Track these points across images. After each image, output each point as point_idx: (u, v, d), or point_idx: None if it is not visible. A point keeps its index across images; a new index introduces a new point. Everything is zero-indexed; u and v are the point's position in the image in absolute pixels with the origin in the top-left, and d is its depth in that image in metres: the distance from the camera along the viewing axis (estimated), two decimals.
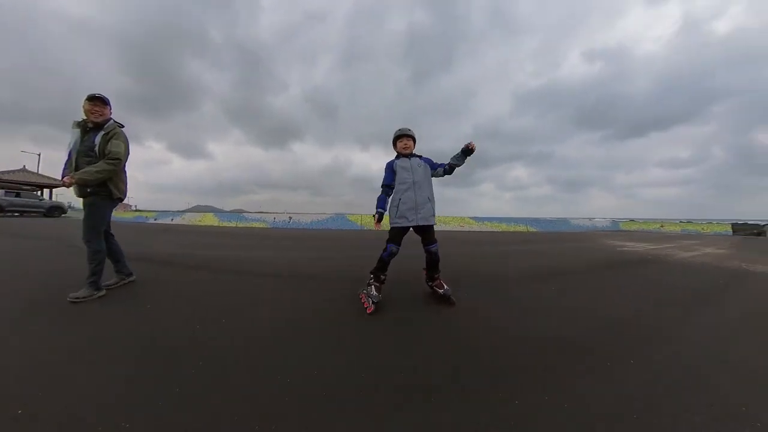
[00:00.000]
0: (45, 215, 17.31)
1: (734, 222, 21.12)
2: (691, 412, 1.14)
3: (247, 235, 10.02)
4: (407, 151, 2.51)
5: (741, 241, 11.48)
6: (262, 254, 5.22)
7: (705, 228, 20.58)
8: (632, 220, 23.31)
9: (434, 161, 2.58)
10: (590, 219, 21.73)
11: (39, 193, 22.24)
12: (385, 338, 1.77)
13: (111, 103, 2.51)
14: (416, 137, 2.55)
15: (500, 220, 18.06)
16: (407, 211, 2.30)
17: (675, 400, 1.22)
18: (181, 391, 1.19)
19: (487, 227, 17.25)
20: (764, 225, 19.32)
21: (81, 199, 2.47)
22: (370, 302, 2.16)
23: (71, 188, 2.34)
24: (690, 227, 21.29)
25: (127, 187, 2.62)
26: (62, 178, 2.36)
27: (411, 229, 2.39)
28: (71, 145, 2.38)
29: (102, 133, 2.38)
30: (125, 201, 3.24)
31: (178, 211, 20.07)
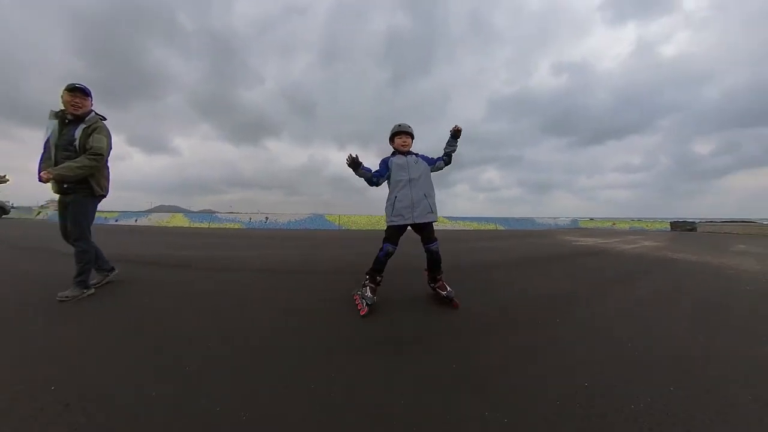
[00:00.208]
0: None
1: (672, 220, 23.96)
2: (594, 346, 1.61)
3: (230, 236, 9.87)
4: (405, 149, 2.39)
5: (675, 236, 13.19)
6: (249, 254, 5.31)
7: (649, 225, 23.13)
8: (592, 219, 25.52)
9: (430, 157, 2.49)
10: (554, 218, 23.53)
11: None
12: (374, 340, 1.65)
13: (92, 94, 2.36)
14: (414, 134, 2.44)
15: (472, 219, 19.03)
16: (403, 209, 2.20)
17: (585, 343, 1.68)
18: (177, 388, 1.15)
19: (460, 226, 18.09)
20: (696, 222, 22.11)
21: (57, 197, 2.33)
22: (364, 304, 2.06)
23: (48, 184, 2.20)
24: (637, 225, 23.80)
25: (110, 183, 2.52)
26: (39, 172, 2.18)
27: (409, 228, 2.30)
28: (48, 137, 2.23)
29: (83, 126, 2.25)
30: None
31: (144, 211, 18.95)
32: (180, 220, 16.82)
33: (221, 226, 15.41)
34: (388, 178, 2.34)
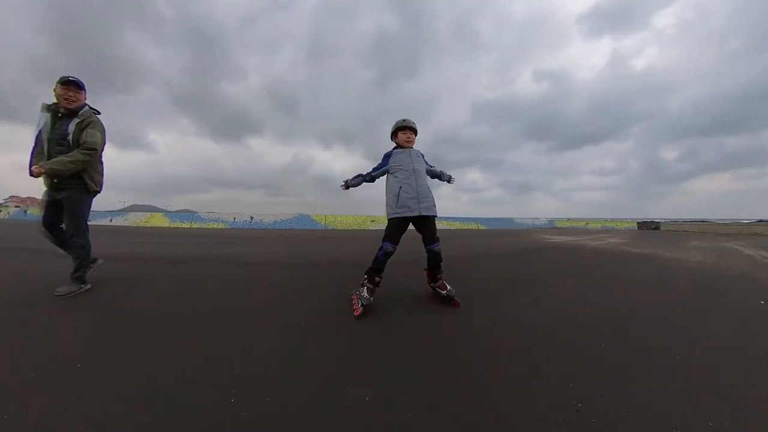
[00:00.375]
0: None
1: (640, 220, 25.74)
2: (545, 314, 1.97)
3: (211, 235, 9.81)
4: (409, 145, 2.31)
5: (640, 234, 14.28)
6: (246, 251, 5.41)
7: (619, 225, 24.70)
8: (569, 219, 26.94)
9: (426, 160, 2.43)
10: (532, 219, 24.68)
11: None
12: (366, 342, 1.56)
13: (86, 87, 2.33)
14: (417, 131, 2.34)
15: (455, 218, 19.67)
16: (409, 200, 2.08)
17: (542, 314, 2.03)
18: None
19: (443, 225, 18.65)
20: (660, 222, 23.86)
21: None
22: (360, 304, 1.95)
23: (40, 178, 2.18)
24: (608, 224, 25.34)
25: (104, 178, 2.49)
26: (30, 166, 2.15)
27: (408, 228, 2.20)
28: (40, 130, 2.20)
29: (76, 120, 2.21)
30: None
31: (120, 211, 18.27)
32: (159, 220, 16.38)
33: (204, 226, 15.14)
34: (387, 171, 2.28)
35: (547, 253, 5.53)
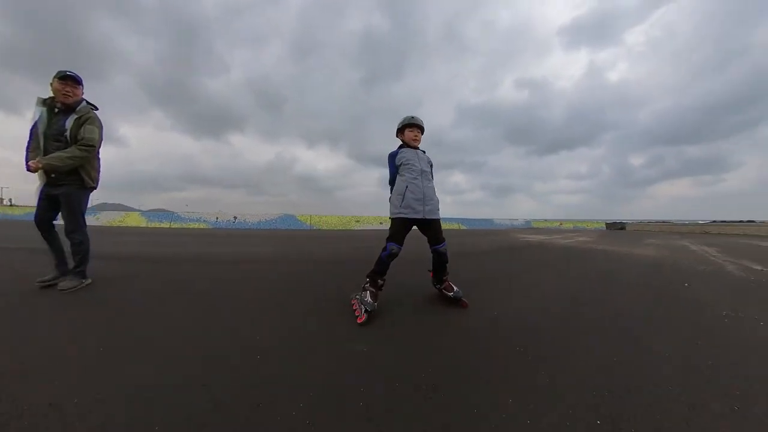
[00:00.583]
0: None
1: (609, 221, 27.66)
2: (511, 298, 2.34)
3: (194, 235, 9.68)
4: (416, 143, 2.24)
5: (606, 233, 15.47)
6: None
7: (589, 225, 26.41)
8: (546, 220, 28.46)
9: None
10: (511, 219, 25.83)
11: None
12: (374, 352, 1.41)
13: (83, 82, 2.30)
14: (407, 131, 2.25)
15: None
16: (415, 201, 2.03)
17: (505, 296, 2.39)
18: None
19: None
20: (626, 223, 25.76)
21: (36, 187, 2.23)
22: (363, 310, 1.81)
23: (36, 174, 2.17)
24: (580, 225, 27.02)
25: (100, 175, 2.49)
26: (26, 161, 2.14)
27: (413, 227, 2.12)
28: (36, 124, 2.19)
29: (74, 116, 2.20)
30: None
31: (89, 209, 17.38)
32: (135, 219, 15.71)
33: (185, 226, 14.73)
34: (397, 171, 2.20)
35: (523, 251, 6.04)
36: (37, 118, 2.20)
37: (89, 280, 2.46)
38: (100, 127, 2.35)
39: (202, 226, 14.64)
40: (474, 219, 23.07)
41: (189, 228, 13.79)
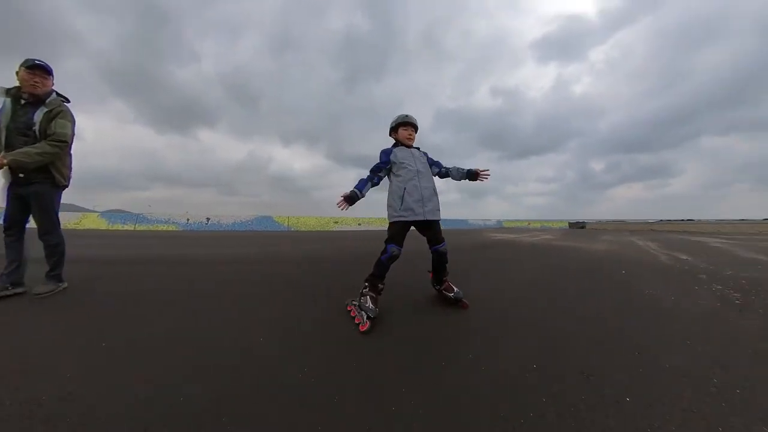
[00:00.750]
0: None
1: (572, 221, 29.86)
2: (475, 287, 2.64)
3: (167, 237, 9.26)
4: (411, 142, 2.18)
5: (568, 232, 16.76)
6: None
7: (554, 224, 28.33)
8: (517, 220, 30.11)
9: (431, 157, 2.28)
10: (484, 220, 27.08)
11: None
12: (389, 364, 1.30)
13: (53, 72, 2.14)
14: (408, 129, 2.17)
15: None
16: (414, 203, 1.95)
17: (481, 283, 2.68)
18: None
19: None
20: (586, 222, 27.94)
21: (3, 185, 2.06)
22: (364, 317, 1.69)
23: (1, 171, 2.01)
24: (546, 224, 28.92)
25: (72, 173, 2.33)
26: None
27: (411, 228, 2.06)
28: None
29: (44, 110, 2.05)
30: None
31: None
32: (94, 222, 14.56)
33: (151, 228, 13.92)
34: (389, 171, 2.11)
35: (493, 248, 6.50)
36: (0, 112, 2.02)
37: (65, 284, 2.35)
38: (73, 122, 2.20)
39: (171, 228, 13.93)
40: (450, 219, 23.98)
41: (156, 230, 13.08)
